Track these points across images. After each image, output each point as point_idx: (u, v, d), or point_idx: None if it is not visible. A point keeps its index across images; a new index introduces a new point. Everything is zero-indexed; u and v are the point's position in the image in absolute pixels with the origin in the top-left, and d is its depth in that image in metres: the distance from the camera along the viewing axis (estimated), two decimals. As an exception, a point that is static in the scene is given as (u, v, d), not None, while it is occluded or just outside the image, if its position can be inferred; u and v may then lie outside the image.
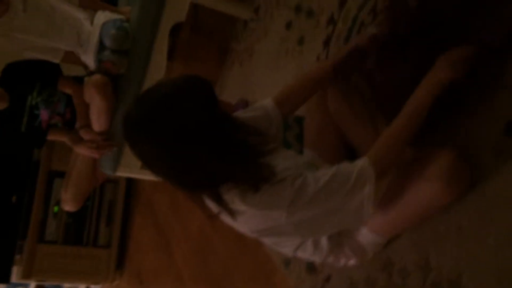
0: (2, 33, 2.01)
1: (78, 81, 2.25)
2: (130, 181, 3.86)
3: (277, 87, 1.92)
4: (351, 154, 1.46)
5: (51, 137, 2.29)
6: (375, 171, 1.08)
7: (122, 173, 2.41)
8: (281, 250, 1.36)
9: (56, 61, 2.18)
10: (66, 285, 4.07)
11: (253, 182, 1.07)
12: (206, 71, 2.82)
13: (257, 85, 2.25)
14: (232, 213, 1.11)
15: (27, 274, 3.49)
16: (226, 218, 1.18)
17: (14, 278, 3.53)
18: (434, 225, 1.25)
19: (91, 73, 2.16)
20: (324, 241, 1.30)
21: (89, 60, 2.16)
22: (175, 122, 1.01)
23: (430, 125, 1.22)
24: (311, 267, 1.72)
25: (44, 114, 2.22)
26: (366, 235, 1.29)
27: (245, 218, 1.12)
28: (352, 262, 1.37)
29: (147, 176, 2.61)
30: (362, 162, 1.10)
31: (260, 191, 1.07)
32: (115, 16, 2.17)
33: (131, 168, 2.41)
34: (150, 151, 1.05)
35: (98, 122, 2.17)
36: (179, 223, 2.98)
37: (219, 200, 1.09)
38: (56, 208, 3.64)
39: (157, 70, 2.22)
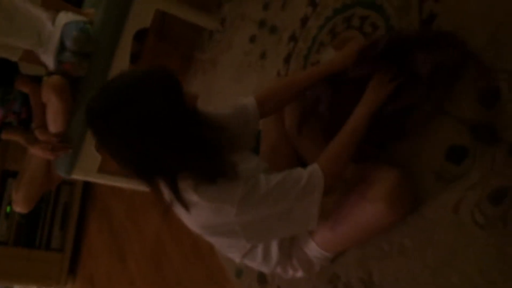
0: None
1: (36, 80, 2.20)
2: (87, 184, 3.80)
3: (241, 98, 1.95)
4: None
5: (5, 136, 2.23)
6: (325, 177, 1.13)
7: (77, 176, 2.37)
8: (229, 255, 1.37)
9: (14, 59, 2.13)
10: (16, 287, 3.97)
11: (209, 175, 1.10)
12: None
13: (218, 95, 2.26)
14: (184, 204, 1.12)
15: (-26, 276, 3.40)
16: (179, 211, 1.19)
17: (-39, 279, 3.43)
18: (378, 243, 1.29)
19: (50, 74, 2.12)
20: (274, 251, 1.31)
21: (49, 60, 2.12)
22: (134, 113, 1.03)
23: (375, 147, 1.27)
24: (262, 279, 1.74)
25: (-2, 112, 2.17)
26: (313, 249, 1.31)
27: (197, 210, 1.13)
28: (299, 274, 1.39)
29: (104, 180, 2.58)
30: (312, 168, 1.15)
31: (214, 184, 1.10)
32: (78, 17, 2.14)
33: (88, 172, 2.37)
34: (109, 139, 1.08)
35: (54, 123, 2.14)
36: (135, 229, 2.96)
37: (174, 188, 1.11)
38: (8, 208, 3.56)
39: (118, 74, 2.20)
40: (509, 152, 1.05)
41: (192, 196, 1.11)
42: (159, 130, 1.05)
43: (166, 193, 1.16)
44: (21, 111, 2.25)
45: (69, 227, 3.75)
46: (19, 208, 2.47)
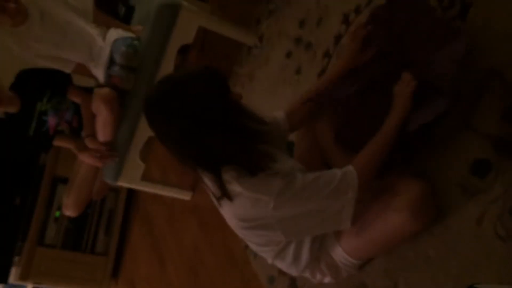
0: (18, 41, 2.12)
1: (88, 91, 2.35)
2: (131, 192, 3.94)
3: (272, 112, 2.02)
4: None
5: (57, 143, 2.38)
6: (359, 177, 1.20)
7: (123, 183, 2.50)
8: (262, 254, 1.44)
9: (67, 71, 2.28)
10: (60, 289, 4.11)
11: (251, 167, 1.19)
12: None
13: (254, 108, 2.34)
14: (228, 194, 1.22)
15: (24, 276, 3.53)
16: (222, 205, 1.28)
17: (12, 279, 3.57)
18: (404, 253, 1.33)
19: (100, 86, 2.26)
20: (305, 253, 1.36)
21: (99, 73, 2.26)
22: (188, 104, 1.15)
23: (403, 159, 1.32)
24: (293, 285, 1.79)
25: (52, 120, 2.32)
26: (339, 254, 1.36)
27: (239, 200, 1.22)
28: (327, 279, 1.44)
29: (147, 188, 2.70)
30: (347, 168, 1.23)
31: (255, 176, 1.19)
32: (126, 34, 2.28)
33: (132, 179, 2.50)
34: (163, 128, 1.20)
35: (103, 132, 2.27)
36: (174, 235, 3.06)
37: (218, 177, 1.21)
38: (57, 213, 3.68)
39: (163, 88, 2.32)
40: (530, 167, 1.08)
41: (235, 187, 1.20)
42: (209, 119, 1.15)
43: (211, 186, 1.26)
44: (73, 120, 2.40)
45: (113, 232, 3.88)
46: (69, 212, 2.59)
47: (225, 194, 1.22)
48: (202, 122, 1.15)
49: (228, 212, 1.29)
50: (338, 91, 1.44)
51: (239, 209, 1.25)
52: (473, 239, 1.16)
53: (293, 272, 1.44)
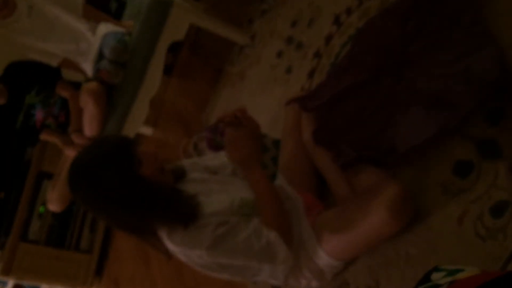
0: (5, 33, 2.12)
1: (77, 87, 2.34)
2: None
3: (262, 111, 2.03)
4: (322, 182, 1.56)
5: (43, 137, 2.38)
6: (279, 234, 1.26)
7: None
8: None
9: (54, 64, 2.28)
10: (44, 286, 4.07)
11: (180, 220, 1.23)
12: (199, 90, 2.93)
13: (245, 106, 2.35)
14: (167, 254, 1.27)
15: (6, 271, 3.48)
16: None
17: (-7, 274, 3.55)
18: (386, 251, 1.34)
19: (88, 80, 2.26)
20: (279, 268, 1.34)
21: (88, 68, 2.26)
22: (92, 189, 1.21)
23: (386, 159, 1.33)
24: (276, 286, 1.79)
25: (39, 114, 2.31)
26: (323, 258, 1.36)
27: (180, 256, 1.27)
28: (314, 284, 1.44)
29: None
30: (268, 233, 1.26)
31: (186, 229, 1.22)
32: (117, 29, 2.28)
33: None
34: (86, 207, 1.29)
35: (89, 127, 2.26)
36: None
37: (150, 241, 1.27)
38: (42, 209, 3.64)
39: (152, 84, 2.32)
40: (511, 168, 1.09)
41: (168, 244, 1.25)
42: (118, 198, 1.20)
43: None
44: (60, 114, 2.39)
45: (98, 229, 3.85)
46: (53, 207, 2.58)
47: (164, 253, 1.27)
48: (116, 202, 1.21)
49: None
50: (323, 91, 1.45)
51: (185, 260, 1.29)
52: (454, 238, 1.17)
53: (274, 283, 1.44)
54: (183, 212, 1.24)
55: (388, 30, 1.39)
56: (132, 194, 1.21)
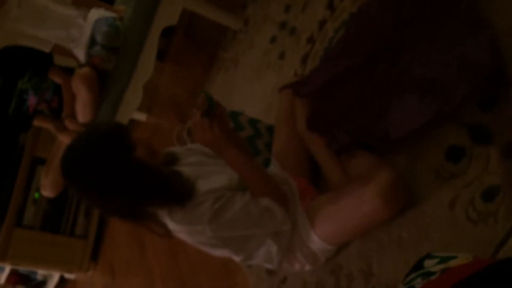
0: None
1: (70, 72, 2.33)
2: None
3: (255, 97, 2.03)
4: (316, 167, 1.57)
5: (36, 122, 2.37)
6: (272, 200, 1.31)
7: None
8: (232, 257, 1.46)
9: (46, 50, 2.27)
10: (40, 271, 4.09)
11: (177, 200, 1.25)
12: (193, 75, 2.92)
13: (237, 92, 2.35)
14: (169, 233, 1.29)
15: (1, 257, 3.49)
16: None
17: (-11, 260, 3.56)
18: (378, 235, 1.35)
19: (81, 66, 2.24)
20: (274, 251, 1.38)
21: (80, 53, 2.25)
22: (94, 178, 1.20)
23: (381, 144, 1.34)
24: (269, 271, 1.81)
25: (32, 100, 2.30)
26: (316, 242, 1.38)
27: (181, 235, 1.30)
28: (307, 267, 1.46)
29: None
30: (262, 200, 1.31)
31: (184, 208, 1.24)
32: (109, 13, 2.26)
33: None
34: (81, 194, 1.27)
35: (82, 113, 2.26)
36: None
37: (150, 221, 1.28)
38: (36, 195, 3.64)
39: (145, 69, 2.31)
40: (502, 153, 1.10)
41: (169, 223, 1.26)
42: (110, 185, 1.21)
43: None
44: (52, 100, 2.38)
45: (93, 215, 3.85)
46: (47, 192, 2.59)
47: (166, 233, 1.29)
48: (110, 188, 1.21)
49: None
50: (317, 76, 1.44)
51: (185, 239, 1.32)
52: (445, 222, 1.19)
53: (268, 267, 1.46)
54: (179, 192, 1.26)
55: (382, 15, 1.38)
56: (126, 179, 1.21)
